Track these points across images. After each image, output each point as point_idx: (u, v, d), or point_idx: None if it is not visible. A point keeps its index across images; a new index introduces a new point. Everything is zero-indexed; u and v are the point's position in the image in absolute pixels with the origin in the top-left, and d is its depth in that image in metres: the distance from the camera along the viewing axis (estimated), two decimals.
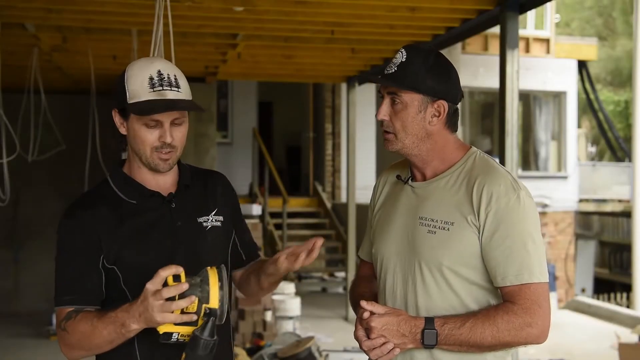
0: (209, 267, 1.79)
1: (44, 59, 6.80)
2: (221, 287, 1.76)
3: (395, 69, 1.94)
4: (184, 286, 1.72)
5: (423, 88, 1.92)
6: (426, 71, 1.92)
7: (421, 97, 1.93)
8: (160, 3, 3.76)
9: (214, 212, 2.05)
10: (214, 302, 1.75)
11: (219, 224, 2.05)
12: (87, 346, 1.85)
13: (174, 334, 1.77)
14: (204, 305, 1.74)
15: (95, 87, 6.90)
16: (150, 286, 1.71)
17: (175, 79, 1.90)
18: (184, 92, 1.91)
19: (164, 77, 1.89)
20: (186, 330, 1.77)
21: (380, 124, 2.00)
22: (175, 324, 1.76)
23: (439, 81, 1.94)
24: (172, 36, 3.74)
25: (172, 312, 1.70)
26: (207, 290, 1.75)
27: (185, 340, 1.78)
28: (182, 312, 1.73)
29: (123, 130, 1.95)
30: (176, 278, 1.75)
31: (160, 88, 1.87)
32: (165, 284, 1.72)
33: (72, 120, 8.89)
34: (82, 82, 8.31)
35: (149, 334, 1.84)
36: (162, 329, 1.76)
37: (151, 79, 1.88)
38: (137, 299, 1.75)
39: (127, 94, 1.89)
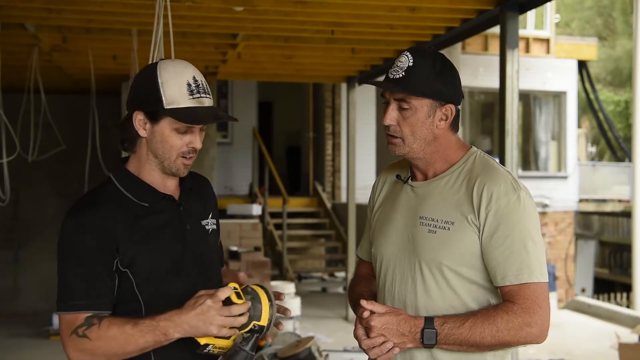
0: (255, 285, 1.85)
1: (44, 59, 6.80)
2: (271, 306, 1.83)
3: (403, 73, 1.92)
4: (248, 305, 1.78)
5: (433, 93, 1.92)
6: (435, 75, 1.91)
7: (431, 102, 1.93)
8: (160, 3, 3.75)
9: (210, 216, 2.07)
10: (264, 320, 1.81)
11: (214, 227, 2.08)
12: (115, 353, 1.80)
13: (210, 346, 1.80)
14: (253, 322, 1.80)
15: (95, 87, 6.90)
16: (212, 302, 1.74)
17: (207, 85, 1.93)
18: (212, 98, 1.95)
19: (200, 84, 1.90)
20: (223, 343, 1.81)
21: (385, 128, 1.98)
22: (216, 337, 1.79)
23: (447, 85, 1.93)
24: (172, 36, 3.74)
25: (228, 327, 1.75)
26: (260, 309, 1.81)
27: (218, 352, 1.82)
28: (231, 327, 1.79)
29: (143, 133, 1.91)
30: None
31: (199, 95, 1.88)
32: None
33: (72, 120, 8.90)
34: (82, 82, 8.31)
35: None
36: (203, 341, 1.78)
37: (189, 85, 1.87)
38: (182, 309, 1.76)
39: (164, 99, 1.86)
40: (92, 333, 1.79)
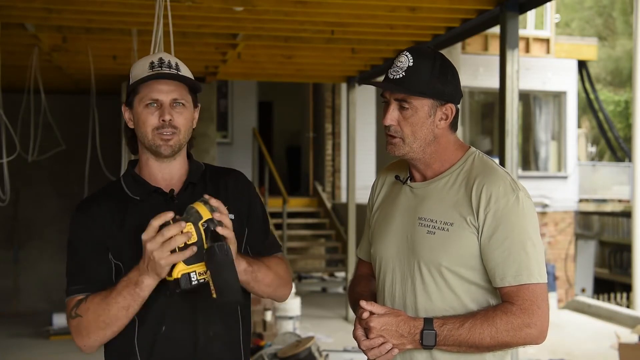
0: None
1: (44, 59, 6.79)
2: (205, 203, 1.77)
3: (403, 74, 1.92)
4: (169, 215, 1.74)
5: (433, 93, 1.92)
6: (435, 75, 1.92)
7: (431, 101, 1.93)
8: (160, 3, 3.75)
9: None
10: (205, 214, 1.76)
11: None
12: (103, 321, 1.83)
13: (192, 275, 1.76)
14: (199, 224, 1.75)
15: (95, 87, 6.90)
16: (145, 236, 1.74)
17: (176, 64, 1.97)
18: (184, 74, 1.98)
19: (164, 61, 1.95)
20: (201, 267, 1.77)
21: (385, 128, 1.98)
22: (187, 264, 1.75)
23: (447, 84, 1.94)
24: (172, 36, 3.74)
25: (175, 251, 1.73)
26: (195, 210, 1.76)
27: (205, 279, 1.77)
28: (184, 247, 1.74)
29: (131, 124, 1.99)
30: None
31: (160, 69, 1.93)
32: None
33: (72, 120, 8.90)
34: (82, 82, 8.31)
35: (149, 330, 1.87)
36: (175, 274, 1.75)
37: (152, 63, 1.95)
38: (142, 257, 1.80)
39: (131, 79, 1.95)
40: (81, 309, 1.86)
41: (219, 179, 2.08)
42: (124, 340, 1.91)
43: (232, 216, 1.98)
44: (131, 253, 1.88)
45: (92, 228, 1.94)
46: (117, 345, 1.93)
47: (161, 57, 1.96)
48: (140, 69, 1.95)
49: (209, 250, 1.74)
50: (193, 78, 2.01)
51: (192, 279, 1.76)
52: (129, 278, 1.81)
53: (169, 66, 1.94)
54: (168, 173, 2.00)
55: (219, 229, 1.78)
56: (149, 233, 1.74)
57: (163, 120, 1.92)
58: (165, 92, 1.93)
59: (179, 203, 1.94)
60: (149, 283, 1.79)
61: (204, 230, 1.76)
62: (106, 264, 1.92)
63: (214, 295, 1.75)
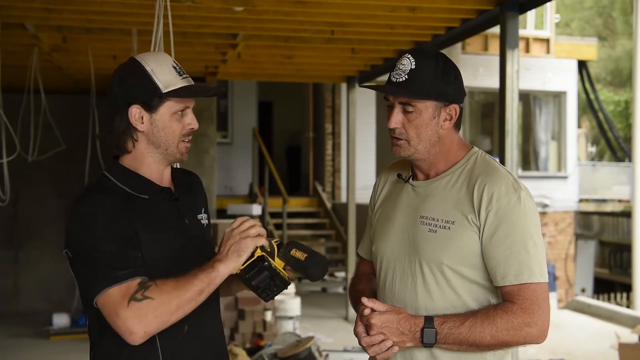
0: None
1: (44, 59, 6.80)
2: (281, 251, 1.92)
3: (406, 77, 1.92)
4: (259, 225, 1.90)
5: (437, 94, 1.92)
6: (438, 77, 1.92)
7: (435, 103, 1.93)
8: (160, 3, 3.76)
9: (202, 211, 2.09)
10: (278, 263, 1.90)
11: (207, 222, 2.10)
12: (177, 304, 1.79)
13: (266, 260, 1.89)
14: (273, 242, 1.91)
15: (95, 87, 6.89)
16: (236, 223, 1.87)
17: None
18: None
19: (180, 68, 1.98)
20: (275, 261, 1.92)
21: (390, 130, 1.98)
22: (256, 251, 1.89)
23: (450, 85, 1.94)
24: (172, 36, 3.74)
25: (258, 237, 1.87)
26: (289, 255, 1.91)
27: (276, 268, 1.91)
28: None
29: (141, 127, 1.91)
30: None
31: (186, 76, 1.96)
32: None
33: (72, 120, 8.89)
34: (82, 82, 8.31)
35: (173, 329, 1.85)
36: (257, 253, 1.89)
37: (175, 68, 1.95)
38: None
39: (160, 85, 1.90)
40: (153, 292, 1.77)
41: (189, 180, 2.13)
42: (146, 341, 1.82)
43: (207, 216, 2.10)
44: (144, 252, 1.85)
45: (112, 215, 1.84)
46: (136, 346, 1.83)
47: (175, 62, 1.96)
48: (167, 74, 1.91)
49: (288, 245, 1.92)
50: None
51: (265, 262, 1.88)
52: (202, 267, 1.84)
53: (186, 73, 1.98)
54: (166, 175, 2.02)
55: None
56: (236, 223, 1.88)
57: (192, 129, 1.97)
58: (192, 101, 1.97)
59: (181, 203, 2.00)
60: (223, 270, 1.83)
61: (277, 245, 1.92)
62: (138, 247, 1.85)
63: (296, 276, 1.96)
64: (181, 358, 1.92)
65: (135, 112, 1.90)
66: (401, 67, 1.93)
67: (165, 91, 1.89)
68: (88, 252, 1.82)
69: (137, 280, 1.79)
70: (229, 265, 1.84)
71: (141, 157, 1.95)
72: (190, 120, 1.96)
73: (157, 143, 1.93)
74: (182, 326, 1.89)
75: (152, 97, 1.89)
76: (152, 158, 1.95)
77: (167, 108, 1.91)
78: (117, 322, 1.76)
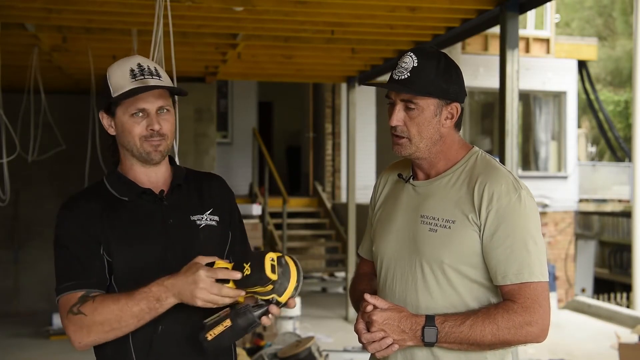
0: (290, 259, 1.81)
1: (44, 59, 6.79)
2: (296, 288, 1.80)
3: (408, 74, 1.92)
4: (236, 275, 1.74)
5: (439, 92, 1.93)
6: (440, 75, 1.92)
7: (437, 101, 1.94)
8: (160, 3, 3.76)
9: (209, 212, 2.06)
10: (284, 297, 1.78)
11: (214, 223, 2.05)
12: (110, 325, 1.82)
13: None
14: (274, 295, 1.77)
15: (95, 87, 6.89)
16: (206, 275, 1.74)
17: (156, 69, 1.98)
18: (165, 81, 1.98)
19: (144, 68, 1.95)
20: (225, 313, 1.80)
21: (391, 128, 1.98)
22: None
23: (452, 83, 1.94)
24: (172, 36, 3.75)
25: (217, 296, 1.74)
26: (285, 287, 1.77)
27: (218, 321, 1.79)
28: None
29: (112, 131, 2.00)
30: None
31: (142, 77, 1.93)
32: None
33: (72, 120, 8.89)
34: (82, 82, 8.31)
35: (146, 329, 1.86)
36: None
37: (132, 70, 1.94)
38: (176, 273, 1.79)
39: (111, 90, 1.93)
40: (87, 308, 1.83)
41: (202, 181, 2.11)
42: (117, 340, 1.88)
43: (217, 218, 2.04)
44: (121, 253, 1.91)
45: (83, 224, 1.92)
46: (110, 344, 1.90)
47: (140, 64, 1.95)
48: (121, 78, 1.93)
49: (245, 312, 1.77)
50: (172, 81, 2.03)
51: (212, 318, 1.79)
52: (150, 291, 1.79)
53: (150, 73, 1.94)
54: (154, 177, 2.02)
55: (265, 318, 1.80)
56: (209, 278, 1.75)
57: (152, 130, 1.94)
58: (151, 102, 1.94)
59: (168, 204, 1.99)
60: (171, 302, 1.80)
61: (267, 299, 1.78)
62: (99, 259, 1.91)
63: (209, 339, 1.78)
64: (156, 358, 1.91)
65: (103, 118, 2.00)
66: (403, 65, 1.94)
67: (114, 95, 1.92)
68: (56, 254, 1.95)
69: (79, 293, 1.86)
70: (178, 300, 1.80)
71: (124, 160, 2.03)
72: (149, 122, 1.94)
73: (125, 146, 1.99)
74: (156, 327, 1.89)
75: (107, 103, 1.96)
76: (129, 161, 2.01)
77: (122, 111, 1.95)
78: (64, 328, 1.89)
